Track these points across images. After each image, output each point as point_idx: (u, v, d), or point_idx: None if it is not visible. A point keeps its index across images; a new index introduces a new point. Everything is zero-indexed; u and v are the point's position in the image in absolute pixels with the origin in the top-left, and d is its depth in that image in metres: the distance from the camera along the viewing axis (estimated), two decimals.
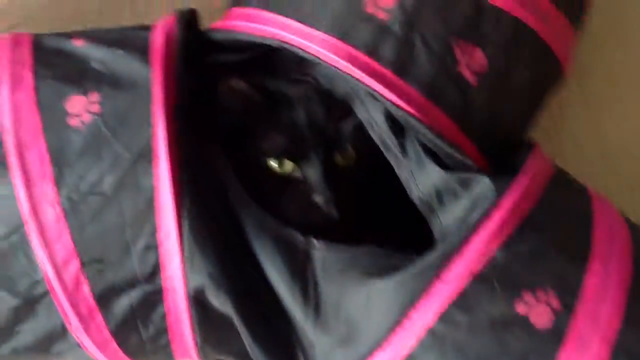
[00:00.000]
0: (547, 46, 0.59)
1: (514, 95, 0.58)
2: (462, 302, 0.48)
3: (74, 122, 0.51)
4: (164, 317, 0.53)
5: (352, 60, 0.53)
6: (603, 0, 0.73)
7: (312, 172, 0.57)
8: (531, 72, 0.58)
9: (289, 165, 0.57)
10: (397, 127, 0.55)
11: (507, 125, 0.59)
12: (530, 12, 0.56)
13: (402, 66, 0.53)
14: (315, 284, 0.53)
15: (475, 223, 0.50)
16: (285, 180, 0.58)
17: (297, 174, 0.58)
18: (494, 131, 0.57)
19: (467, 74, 0.54)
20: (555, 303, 0.48)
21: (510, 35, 0.56)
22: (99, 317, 0.52)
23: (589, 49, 0.76)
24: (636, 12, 0.82)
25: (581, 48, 0.69)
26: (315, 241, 0.54)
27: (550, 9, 0.58)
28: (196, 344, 0.55)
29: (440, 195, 0.55)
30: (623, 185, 0.78)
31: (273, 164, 0.57)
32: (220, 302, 0.52)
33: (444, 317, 0.48)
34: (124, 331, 0.53)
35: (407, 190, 0.56)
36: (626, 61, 0.81)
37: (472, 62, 0.54)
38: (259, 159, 0.58)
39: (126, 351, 0.55)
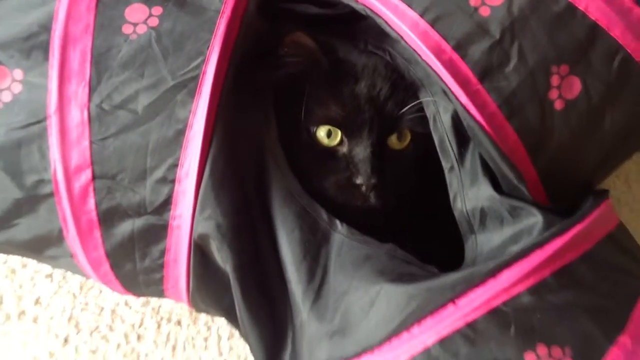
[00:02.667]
0: None
1: (602, 137, 0.52)
2: (470, 333, 0.44)
3: (127, 29, 0.48)
4: (163, 253, 0.51)
5: (437, 52, 0.49)
6: None
7: (360, 151, 0.54)
8: (629, 117, 0.53)
9: (336, 138, 0.54)
10: (461, 132, 0.51)
11: (583, 166, 0.54)
12: None
13: (487, 71, 0.49)
14: (325, 267, 0.50)
15: (511, 257, 0.45)
16: (329, 153, 0.55)
17: (344, 149, 0.55)
18: (566, 167, 0.52)
19: (555, 99, 0.49)
20: None
21: (619, 74, 0.50)
22: (97, 234, 0.50)
23: None
24: None
25: None
26: (339, 224, 0.51)
27: None
28: (188, 289, 0.52)
29: (484, 217, 0.51)
30: None
31: (321, 133, 0.54)
32: (221, 258, 0.49)
33: (445, 343, 0.44)
34: (119, 256, 0.51)
35: (452, 200, 0.53)
36: None
37: (565, 88, 0.49)
38: (308, 125, 0.55)
39: (118, 275, 0.53)
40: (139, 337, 0.68)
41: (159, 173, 0.48)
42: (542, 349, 0.44)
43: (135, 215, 0.49)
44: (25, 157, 0.48)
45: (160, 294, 0.56)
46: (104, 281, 0.54)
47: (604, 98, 0.50)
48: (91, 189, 0.48)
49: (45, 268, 0.69)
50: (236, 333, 0.68)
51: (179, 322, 0.68)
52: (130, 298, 0.68)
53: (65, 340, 0.67)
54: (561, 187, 0.52)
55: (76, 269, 0.55)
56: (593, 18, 0.48)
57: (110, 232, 0.50)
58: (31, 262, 0.69)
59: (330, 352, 0.48)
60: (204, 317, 0.68)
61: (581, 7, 0.48)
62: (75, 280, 0.69)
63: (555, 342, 0.44)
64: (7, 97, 0.47)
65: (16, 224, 0.51)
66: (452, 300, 0.45)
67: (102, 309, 0.68)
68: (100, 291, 0.68)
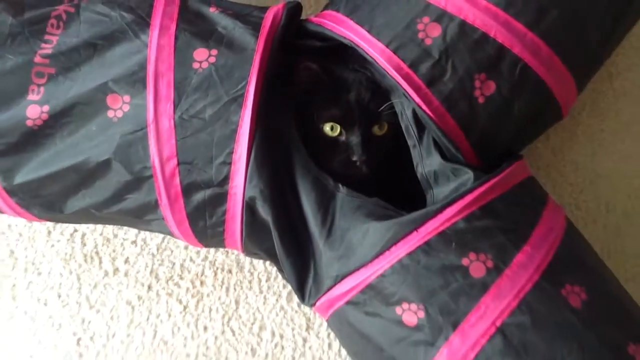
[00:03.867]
0: (550, 92, 0.77)
1: (512, 120, 0.76)
2: (427, 248, 0.69)
3: (196, 65, 0.73)
4: (224, 213, 0.75)
5: (398, 69, 0.73)
6: None
7: (354, 138, 0.77)
8: (531, 107, 0.77)
9: (336, 130, 0.78)
10: (419, 122, 0.75)
11: (503, 140, 0.78)
12: (545, 67, 0.75)
13: (432, 81, 0.73)
14: (333, 215, 0.74)
15: (452, 199, 0.70)
16: (333, 141, 0.79)
17: (343, 138, 0.78)
18: (490, 140, 0.77)
19: (479, 96, 0.74)
20: (490, 265, 0.68)
21: (520, 78, 0.74)
22: (181, 201, 0.74)
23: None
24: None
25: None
26: (341, 187, 0.75)
27: (563, 69, 0.76)
28: (242, 237, 0.77)
29: (437, 177, 0.76)
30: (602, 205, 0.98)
31: (327, 128, 0.78)
32: (264, 212, 0.73)
33: (412, 255, 0.69)
34: (195, 215, 0.75)
35: (415, 167, 0.77)
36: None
37: (484, 89, 0.74)
38: (317, 123, 0.78)
39: (194, 230, 0.77)
40: (201, 283, 0.93)
41: (220, 158, 0.72)
42: (472, 255, 0.69)
43: (205, 187, 0.73)
44: (134, 152, 0.72)
45: (221, 243, 0.80)
46: (184, 235, 0.79)
47: (512, 93, 0.74)
48: (177, 171, 0.73)
49: (131, 236, 0.93)
50: (272, 276, 0.93)
51: (229, 271, 0.93)
52: (194, 255, 0.93)
53: (149, 288, 0.92)
54: (488, 154, 0.76)
55: (164, 229, 0.79)
56: (500, 41, 0.72)
57: (190, 199, 0.74)
58: (120, 232, 0.93)
59: (339, 270, 0.73)
60: (247, 265, 0.93)
61: (491, 34, 0.72)
62: (153, 244, 0.94)
63: (481, 251, 0.69)
64: (120, 114, 0.72)
65: (127, 198, 0.75)
66: (415, 229, 0.70)
67: (173, 263, 0.93)
68: (172, 251, 0.93)
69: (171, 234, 0.81)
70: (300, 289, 0.77)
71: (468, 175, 0.73)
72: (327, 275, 0.74)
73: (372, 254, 0.71)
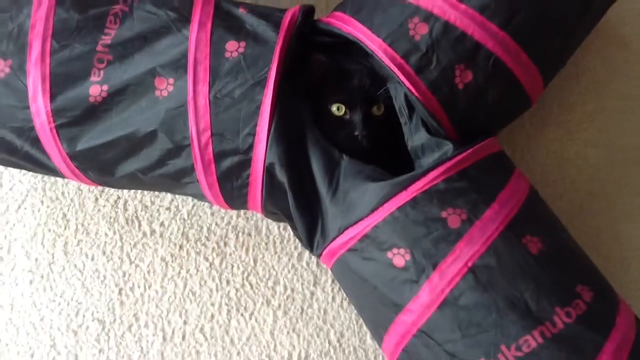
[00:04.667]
0: (518, 81, 0.93)
1: (487, 105, 0.92)
2: (413, 203, 0.85)
3: (227, 55, 0.89)
4: (248, 176, 0.91)
5: (393, 60, 0.89)
6: None
7: (356, 117, 0.93)
8: (502, 95, 0.93)
9: (342, 110, 0.94)
10: (409, 103, 0.91)
11: (480, 120, 0.94)
12: (514, 61, 0.91)
13: (420, 69, 0.89)
14: (338, 178, 0.90)
15: (434, 165, 0.86)
16: (339, 119, 0.94)
17: (347, 116, 0.94)
18: (469, 121, 0.92)
19: (459, 83, 0.90)
20: (464, 217, 0.84)
21: (493, 69, 0.90)
22: (212, 166, 0.90)
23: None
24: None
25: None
26: (345, 156, 0.90)
27: (529, 62, 0.92)
28: (262, 197, 0.92)
29: (424, 149, 0.92)
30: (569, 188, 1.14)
31: (334, 108, 0.94)
32: (281, 175, 0.89)
33: (401, 209, 0.85)
34: (224, 179, 0.91)
35: (406, 141, 0.93)
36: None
37: (463, 77, 0.90)
38: (326, 104, 0.94)
39: (222, 192, 0.93)
40: (225, 244, 1.09)
41: (246, 130, 0.88)
42: (450, 210, 0.85)
43: (233, 154, 0.89)
44: (176, 125, 0.88)
45: (244, 205, 0.96)
46: (214, 197, 0.95)
47: (486, 81, 0.90)
48: (210, 141, 0.88)
49: (165, 203, 1.10)
50: (285, 239, 1.09)
51: (249, 234, 1.09)
52: (219, 220, 1.09)
53: (180, 247, 1.08)
54: (468, 132, 0.92)
55: (197, 191, 0.95)
56: (476, 38, 0.89)
57: (220, 164, 0.90)
58: (157, 200, 1.10)
59: (341, 222, 0.89)
60: (264, 229, 1.09)
61: (469, 33, 0.88)
62: (184, 210, 1.10)
63: (457, 206, 0.85)
64: (165, 93, 0.88)
65: (168, 163, 0.91)
66: (404, 188, 0.86)
67: (201, 227, 1.09)
68: (200, 216, 1.09)
69: (202, 197, 0.97)
70: (310, 241, 0.93)
71: (448, 147, 0.89)
72: (332, 228, 0.90)
73: (369, 208, 0.87)
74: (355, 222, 0.88)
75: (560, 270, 0.85)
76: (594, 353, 0.80)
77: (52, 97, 0.88)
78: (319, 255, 0.94)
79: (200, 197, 0.98)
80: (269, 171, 0.90)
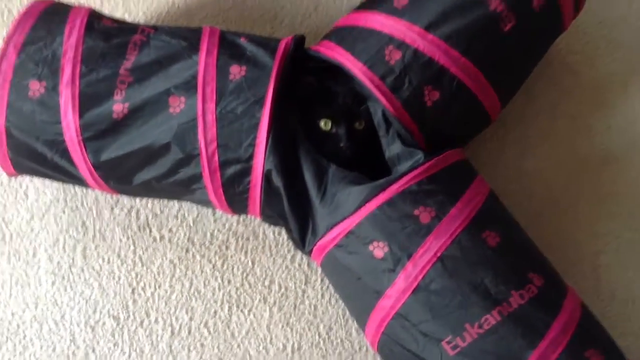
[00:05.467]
0: (478, 101, 1.08)
1: (451, 120, 1.08)
2: (390, 203, 0.99)
3: (231, 77, 1.03)
4: (249, 182, 1.04)
5: (372, 81, 1.04)
6: None
7: (341, 131, 1.07)
8: (465, 112, 1.09)
9: (329, 125, 1.07)
10: (386, 118, 1.06)
11: (446, 133, 1.09)
12: (474, 83, 1.05)
13: (395, 89, 1.03)
14: (326, 183, 1.03)
15: (407, 171, 1.01)
16: (326, 133, 1.08)
17: (333, 130, 1.08)
18: (437, 134, 1.07)
19: (427, 101, 1.05)
20: (433, 214, 0.98)
21: (456, 90, 1.05)
22: (218, 173, 1.03)
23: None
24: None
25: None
26: (331, 164, 1.04)
27: (487, 84, 1.07)
28: (260, 202, 1.06)
29: (399, 157, 1.06)
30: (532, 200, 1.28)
31: (322, 123, 1.08)
32: (277, 181, 1.03)
33: (380, 208, 0.99)
34: (228, 185, 1.04)
35: (384, 151, 1.08)
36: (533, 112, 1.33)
37: (431, 96, 1.06)
38: (315, 120, 1.08)
39: (226, 196, 1.06)
40: (226, 247, 1.21)
41: (247, 142, 1.01)
42: (421, 208, 0.98)
43: (236, 163, 1.02)
44: (187, 137, 1.01)
45: (245, 209, 1.09)
46: (218, 201, 1.08)
47: (451, 100, 1.05)
48: (216, 151, 1.02)
49: (173, 212, 1.23)
50: (279, 243, 1.22)
51: (247, 238, 1.22)
52: (220, 226, 1.22)
53: (186, 251, 1.21)
54: (436, 142, 1.07)
55: (204, 196, 1.08)
56: (441, 63, 1.03)
57: (224, 172, 1.03)
58: (165, 209, 1.22)
59: (329, 221, 1.02)
60: (261, 234, 1.22)
61: (435, 58, 1.03)
62: (190, 218, 1.23)
63: (427, 205, 0.99)
64: (178, 110, 1.01)
65: (180, 171, 1.04)
66: (383, 190, 1.00)
67: (205, 233, 1.22)
68: (204, 223, 1.23)
69: (208, 202, 1.10)
70: (302, 239, 1.07)
71: (420, 155, 1.04)
72: (321, 226, 1.04)
73: (353, 208, 1.00)
74: (341, 220, 1.01)
75: (515, 260, 0.99)
76: (544, 329, 0.94)
77: (81, 114, 1.01)
78: (310, 252, 1.07)
79: (206, 202, 1.12)
80: (267, 177, 1.03)
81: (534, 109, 1.32)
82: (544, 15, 1.11)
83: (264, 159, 1.02)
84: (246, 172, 1.04)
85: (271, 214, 1.10)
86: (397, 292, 0.97)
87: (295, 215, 1.05)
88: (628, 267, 1.25)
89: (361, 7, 1.15)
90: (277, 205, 1.07)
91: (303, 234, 1.07)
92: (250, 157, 1.03)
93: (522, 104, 1.31)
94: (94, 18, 1.09)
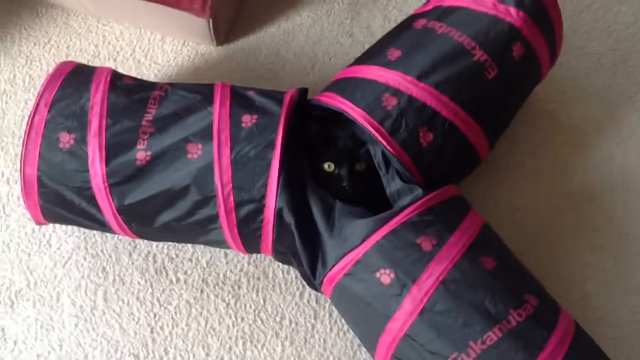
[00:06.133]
0: (469, 141, 1.19)
1: (445, 160, 1.18)
2: (394, 233, 1.08)
3: (244, 125, 1.13)
4: (262, 220, 1.12)
5: (371, 124, 1.13)
6: None
7: (343, 172, 1.16)
8: (457, 151, 1.19)
9: (331, 167, 1.17)
10: (385, 158, 1.16)
11: (440, 171, 1.18)
12: (464, 125, 1.16)
13: (393, 131, 1.13)
14: (333, 218, 1.12)
15: (409, 204, 1.10)
16: (330, 174, 1.17)
17: (336, 172, 1.17)
18: (432, 171, 1.17)
19: (423, 141, 1.16)
20: (434, 242, 1.07)
21: (448, 131, 1.16)
22: (233, 213, 1.12)
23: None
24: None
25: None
26: (337, 201, 1.13)
27: (476, 126, 1.18)
28: (273, 238, 1.15)
29: (399, 193, 1.15)
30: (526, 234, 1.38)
31: (325, 165, 1.17)
32: (288, 218, 1.11)
33: (385, 238, 1.07)
34: (242, 223, 1.13)
35: (385, 188, 1.17)
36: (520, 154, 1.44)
37: (426, 137, 1.16)
38: (319, 162, 1.18)
39: (240, 235, 1.15)
40: (238, 287, 1.29)
41: (260, 183, 1.11)
42: (423, 237, 1.07)
43: (250, 202, 1.11)
44: (204, 180, 1.10)
45: (258, 247, 1.18)
46: (233, 240, 1.16)
47: (444, 141, 1.15)
48: (232, 192, 1.11)
49: (188, 255, 1.31)
50: (288, 282, 1.30)
51: (258, 278, 1.30)
52: (233, 267, 1.30)
53: (201, 291, 1.29)
54: (432, 179, 1.17)
55: (220, 236, 1.16)
56: (433, 107, 1.14)
57: (239, 211, 1.12)
58: (180, 253, 1.31)
59: (338, 252, 1.10)
60: (271, 274, 1.30)
61: (428, 103, 1.13)
62: (204, 260, 1.31)
63: (428, 234, 1.07)
64: (195, 156, 1.11)
65: (198, 212, 1.13)
66: (387, 222, 1.09)
67: (218, 274, 1.30)
68: (217, 265, 1.30)
69: (223, 242, 1.18)
70: (312, 271, 1.14)
71: (419, 191, 1.13)
72: (331, 258, 1.12)
73: (360, 239, 1.09)
74: (349, 251, 1.10)
75: (511, 282, 1.07)
76: (542, 343, 1.02)
77: (107, 162, 1.10)
78: (320, 284, 1.16)
79: (220, 243, 1.20)
80: (279, 215, 1.11)
81: (519, 151, 1.43)
82: (523, 63, 1.23)
83: (276, 197, 1.11)
84: (259, 210, 1.12)
85: (282, 250, 1.18)
86: (404, 314, 1.05)
87: (306, 249, 1.14)
88: (615, 293, 1.33)
89: (356, 62, 1.27)
90: (288, 241, 1.15)
91: (313, 267, 1.15)
92: (263, 197, 1.11)
93: (508, 147, 1.42)
94: (116, 77, 1.20)
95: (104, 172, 1.11)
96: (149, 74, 1.46)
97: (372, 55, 1.26)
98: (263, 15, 1.54)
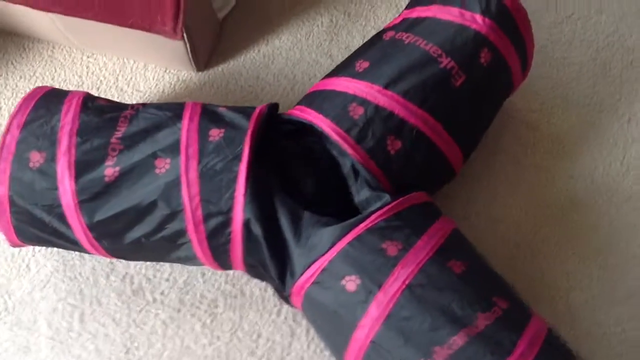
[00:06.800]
0: (441, 152, 1.18)
1: (414, 167, 1.17)
2: (359, 239, 1.06)
3: (211, 139, 1.14)
4: (230, 233, 1.12)
5: (338, 134, 1.14)
6: None
7: (312, 182, 1.18)
8: (427, 160, 1.18)
9: (301, 178, 1.18)
10: (354, 168, 1.16)
11: (410, 180, 1.18)
12: (434, 132, 1.17)
13: (359, 140, 1.14)
14: (300, 228, 1.11)
15: (375, 210, 1.10)
16: (299, 184, 1.17)
17: (304, 183, 1.18)
18: (401, 180, 1.17)
19: (391, 150, 1.16)
20: (400, 247, 1.06)
21: (417, 139, 1.16)
22: (202, 226, 1.12)
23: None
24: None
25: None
26: (305, 211, 1.13)
27: (446, 134, 1.19)
28: (242, 251, 1.15)
29: (368, 201, 1.15)
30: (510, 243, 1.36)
31: (295, 177, 1.18)
32: (255, 229, 1.11)
33: (350, 244, 1.06)
34: (212, 236, 1.12)
35: (354, 197, 1.17)
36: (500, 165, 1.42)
37: (394, 145, 1.16)
38: (289, 174, 1.18)
39: (210, 248, 1.14)
40: (215, 306, 1.28)
41: (227, 195, 1.11)
42: (388, 242, 1.06)
43: (218, 215, 1.11)
44: (172, 194, 1.10)
45: (229, 260, 1.18)
46: (204, 254, 1.15)
47: (412, 149, 1.14)
48: (199, 205, 1.11)
49: (165, 275, 1.31)
50: (265, 299, 1.29)
51: (235, 296, 1.29)
52: (210, 286, 1.29)
53: (178, 310, 1.28)
54: (403, 189, 1.16)
55: (190, 252, 1.16)
56: (401, 116, 1.14)
57: (208, 224, 1.11)
58: (157, 274, 1.31)
59: (305, 261, 1.09)
60: (248, 292, 1.29)
61: (395, 112, 1.14)
62: (181, 280, 1.31)
63: (394, 239, 1.06)
64: (163, 170, 1.12)
65: (166, 227, 1.13)
66: (352, 228, 1.08)
67: (195, 293, 1.30)
68: (194, 285, 1.30)
69: (195, 258, 1.18)
70: (282, 282, 1.13)
71: (387, 197, 1.12)
72: (298, 266, 1.11)
73: (326, 247, 1.08)
74: (316, 259, 1.09)
75: (480, 286, 1.05)
76: (511, 346, 0.99)
77: (76, 179, 1.12)
78: (289, 295, 1.14)
79: (193, 259, 1.19)
80: (247, 226, 1.11)
81: (499, 162, 1.42)
82: (492, 69, 1.23)
83: (243, 209, 1.11)
84: (227, 223, 1.12)
85: (253, 263, 1.17)
86: (370, 320, 1.03)
87: (275, 259, 1.13)
88: (601, 304, 1.30)
89: (327, 76, 1.28)
90: (258, 253, 1.14)
91: (282, 277, 1.14)
92: (230, 209, 1.11)
93: (488, 158, 1.41)
94: (89, 99, 1.22)
95: (74, 189, 1.12)
96: (132, 101, 1.49)
97: (342, 67, 1.27)
98: (243, 40, 1.56)
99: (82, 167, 1.13)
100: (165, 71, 1.52)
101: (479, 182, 1.40)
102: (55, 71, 1.52)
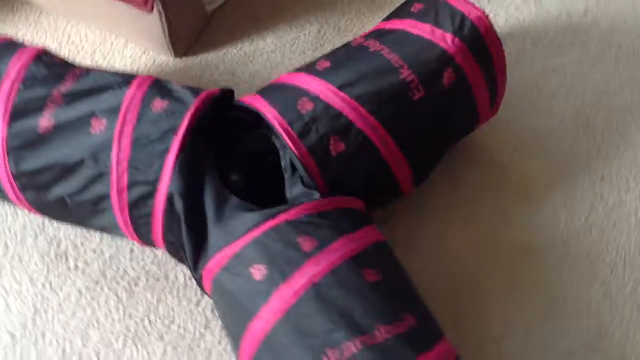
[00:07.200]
0: (387, 164, 1.15)
1: (355, 173, 1.14)
2: (277, 229, 1.03)
3: (154, 109, 1.12)
4: (152, 205, 1.09)
5: (281, 125, 1.11)
6: None
7: (246, 173, 1.15)
8: (369, 170, 1.15)
9: (238, 169, 1.16)
10: (293, 164, 1.13)
11: (351, 187, 1.14)
12: (381, 143, 1.13)
13: (302, 134, 1.11)
14: (223, 210, 1.08)
15: (299, 204, 1.06)
16: (235, 171, 1.16)
17: (239, 174, 1.16)
18: (339, 184, 1.13)
19: (332, 150, 1.12)
20: (316, 244, 1.01)
21: (362, 144, 1.12)
22: (125, 193, 1.09)
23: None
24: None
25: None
26: (233, 196, 1.10)
27: (395, 148, 1.15)
28: (162, 225, 1.11)
29: (300, 197, 1.11)
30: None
31: (233, 163, 1.16)
32: (178, 205, 1.07)
33: (266, 232, 1.02)
34: (133, 205, 1.09)
35: (287, 192, 1.13)
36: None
37: (336, 146, 1.12)
38: (228, 159, 1.16)
39: (130, 217, 1.11)
40: (135, 284, 1.24)
41: (156, 166, 1.07)
42: (304, 237, 1.01)
43: (143, 185, 1.07)
44: (101, 155, 1.07)
45: (150, 234, 1.14)
46: (124, 223, 1.12)
47: (355, 153, 1.11)
48: (126, 171, 1.08)
49: (92, 246, 1.27)
50: (187, 286, 1.24)
51: (157, 279, 1.25)
52: (135, 264, 1.25)
53: (96, 282, 1.24)
54: (337, 192, 1.12)
55: (112, 219, 1.13)
56: (349, 118, 1.11)
57: (131, 192, 1.08)
58: (85, 242, 1.28)
59: (219, 243, 1.05)
60: (172, 276, 1.25)
61: (344, 113, 1.11)
62: (107, 253, 1.27)
63: (312, 236, 1.02)
64: (97, 131, 1.11)
65: (90, 188, 1.09)
66: (272, 217, 1.04)
67: (118, 268, 1.26)
68: (120, 260, 1.27)
69: (116, 225, 1.15)
70: (195, 260, 1.09)
71: (317, 196, 1.09)
72: (212, 248, 1.07)
73: (241, 232, 1.04)
74: (230, 243, 1.05)
75: (390, 298, 1.00)
76: None
77: (9, 124, 1.11)
78: (201, 277, 1.10)
79: (114, 228, 1.16)
80: (170, 200, 1.08)
81: (460, 195, 1.37)
82: (454, 91, 1.20)
83: (169, 182, 1.08)
84: (151, 194, 1.09)
85: (172, 240, 1.13)
86: (269, 312, 0.98)
87: (191, 238, 1.09)
88: (536, 357, 1.22)
89: (290, 71, 1.26)
90: (177, 231, 1.10)
91: (197, 254, 1.09)
92: (157, 180, 1.08)
93: (448, 190, 1.37)
94: (45, 54, 1.21)
95: (5, 135, 1.11)
96: None
97: (305, 65, 1.25)
98: (227, 34, 1.56)
99: (17, 113, 1.12)
100: (144, 52, 1.52)
101: (434, 211, 1.35)
102: (37, 34, 1.53)
